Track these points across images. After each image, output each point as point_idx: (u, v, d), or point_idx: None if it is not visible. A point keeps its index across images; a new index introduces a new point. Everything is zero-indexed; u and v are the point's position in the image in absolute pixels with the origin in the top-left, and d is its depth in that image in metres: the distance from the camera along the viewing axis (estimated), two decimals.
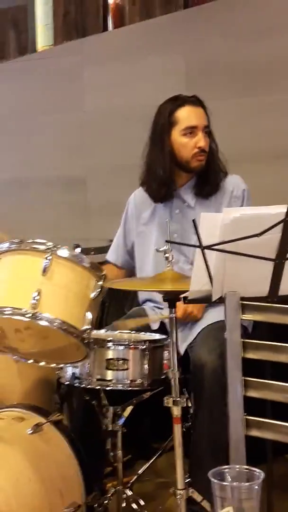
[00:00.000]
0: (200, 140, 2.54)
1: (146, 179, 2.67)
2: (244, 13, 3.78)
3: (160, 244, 2.16)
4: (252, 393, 1.73)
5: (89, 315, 1.97)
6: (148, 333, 2.40)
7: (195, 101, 2.59)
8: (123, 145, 4.02)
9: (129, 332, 2.39)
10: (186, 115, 2.56)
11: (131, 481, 2.31)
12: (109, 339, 2.15)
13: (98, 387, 2.13)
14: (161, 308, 2.61)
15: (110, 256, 2.85)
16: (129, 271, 2.80)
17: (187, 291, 1.77)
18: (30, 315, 1.88)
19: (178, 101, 2.59)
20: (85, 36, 4.52)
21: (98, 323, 2.78)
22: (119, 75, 4.16)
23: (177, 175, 2.62)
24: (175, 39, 3.98)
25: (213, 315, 2.45)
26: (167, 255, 2.05)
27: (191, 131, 2.55)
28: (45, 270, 1.93)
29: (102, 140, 4.28)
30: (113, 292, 2.60)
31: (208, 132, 2.59)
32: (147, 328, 2.51)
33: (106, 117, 4.23)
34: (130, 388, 2.12)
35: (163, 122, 2.58)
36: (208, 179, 2.60)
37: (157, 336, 2.30)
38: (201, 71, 3.86)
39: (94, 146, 4.33)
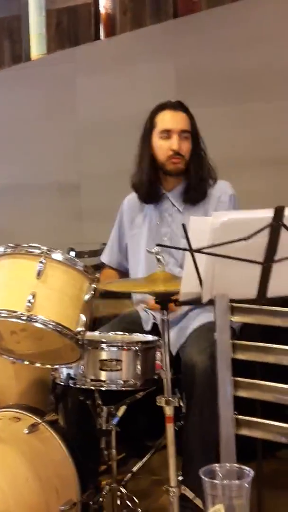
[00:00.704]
0: (174, 143, 2.57)
1: (135, 181, 2.72)
2: (232, 22, 3.82)
3: (151, 246, 2.19)
4: (242, 393, 1.77)
5: (83, 317, 2.00)
6: (140, 335, 2.42)
7: (176, 105, 2.63)
8: (116, 151, 4.05)
9: (122, 334, 2.42)
10: (163, 119, 2.61)
11: (125, 479, 2.32)
12: (102, 340, 2.17)
13: (92, 387, 2.15)
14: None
15: (104, 258, 2.89)
16: (123, 272, 2.84)
17: (178, 291, 1.81)
18: (25, 317, 1.91)
19: (160, 106, 2.64)
20: (78, 45, 4.55)
21: (92, 325, 2.83)
22: (111, 83, 4.20)
23: (163, 178, 2.66)
24: (165, 47, 4.02)
25: (204, 317, 2.48)
26: (158, 256, 2.07)
27: (167, 134, 2.59)
28: (39, 274, 1.96)
29: (95, 146, 4.31)
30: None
31: (188, 137, 2.61)
32: (140, 330, 2.55)
33: (99, 123, 4.26)
34: (123, 388, 2.14)
35: (147, 126, 2.65)
36: (195, 186, 2.62)
37: (149, 337, 2.33)
38: (191, 79, 3.90)
39: (88, 153, 4.35)
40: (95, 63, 4.31)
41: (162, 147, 2.60)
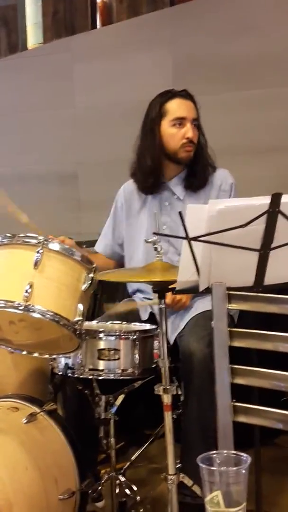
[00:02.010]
0: (189, 131, 2.58)
1: (135, 170, 2.71)
2: (229, 9, 3.81)
3: (150, 235, 2.19)
4: (239, 380, 1.77)
5: (80, 307, 2.00)
6: (138, 324, 2.44)
7: (185, 94, 2.64)
8: (114, 140, 4.04)
9: (120, 323, 2.43)
10: (175, 107, 2.60)
11: (124, 468, 2.33)
12: (100, 330, 2.17)
13: (91, 376, 2.15)
14: (151, 299, 2.64)
15: (98, 246, 2.89)
16: (118, 261, 2.84)
17: (175, 281, 1.81)
18: (23, 307, 1.91)
19: (168, 94, 2.64)
20: (74, 34, 4.53)
21: (90, 315, 2.83)
22: (108, 72, 4.19)
23: (166, 167, 2.66)
24: (161, 36, 4.01)
25: (201, 305, 2.49)
26: (156, 245, 2.07)
27: (180, 122, 2.59)
28: (36, 264, 1.95)
29: (92, 135, 4.30)
30: (104, 283, 2.64)
31: (197, 125, 2.63)
32: (137, 319, 2.56)
33: (96, 112, 4.26)
34: (121, 377, 2.14)
35: (154, 114, 2.63)
36: (197, 173, 2.63)
37: (147, 326, 2.33)
38: (187, 66, 3.90)
39: (85, 142, 4.35)
40: (92, 52, 4.30)
41: (176, 135, 2.60)
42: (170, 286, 1.96)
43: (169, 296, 2.39)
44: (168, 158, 2.64)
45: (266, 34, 3.69)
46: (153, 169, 2.63)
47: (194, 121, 2.62)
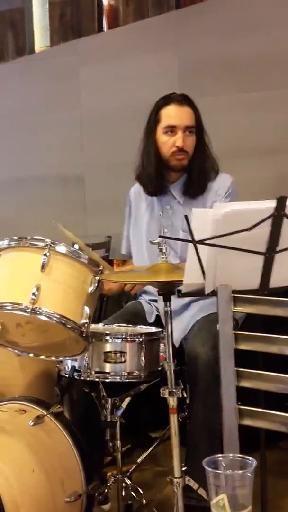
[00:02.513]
0: (179, 139, 2.55)
1: (139, 174, 2.71)
2: (234, 11, 3.81)
3: (151, 236, 2.19)
4: (245, 383, 1.76)
5: (87, 309, 2.01)
6: (144, 326, 2.44)
7: (182, 100, 2.60)
8: (119, 143, 4.06)
9: (126, 326, 2.44)
10: (168, 114, 2.58)
11: (130, 470, 2.33)
12: (106, 332, 2.19)
13: (97, 379, 2.16)
14: (155, 301, 2.66)
15: (122, 249, 2.89)
16: None
17: (181, 281, 1.81)
18: (30, 310, 1.91)
19: (166, 100, 2.61)
20: (81, 37, 4.54)
21: (97, 317, 2.85)
22: (114, 74, 4.19)
23: (166, 172, 2.65)
24: (167, 38, 4.01)
25: (207, 308, 2.50)
26: (161, 247, 2.07)
27: (171, 129, 2.57)
28: (43, 266, 1.96)
29: (98, 138, 4.31)
30: None
31: (193, 132, 2.60)
32: (143, 322, 2.57)
33: (102, 115, 4.26)
34: (127, 380, 2.16)
35: (151, 119, 2.63)
36: (196, 180, 2.62)
37: (153, 329, 2.34)
38: (193, 69, 3.89)
39: (91, 144, 4.36)
40: (98, 55, 4.30)
41: (167, 143, 2.58)
42: (176, 289, 1.96)
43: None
44: (164, 164, 2.63)
45: (272, 36, 3.68)
46: (154, 173, 2.63)
47: (187, 128, 2.58)
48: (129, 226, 2.83)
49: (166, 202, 2.69)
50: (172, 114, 2.58)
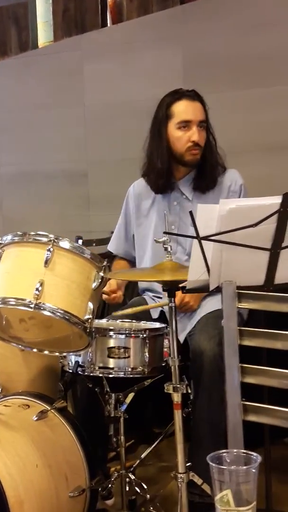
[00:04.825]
0: (194, 134, 2.56)
1: (146, 171, 2.71)
2: (239, 8, 3.79)
3: (159, 235, 2.19)
4: (249, 379, 1.77)
5: (90, 305, 2.00)
6: (148, 322, 2.44)
7: (193, 95, 2.60)
8: (123, 139, 4.05)
9: (130, 321, 2.43)
10: (181, 109, 2.58)
11: (133, 465, 2.33)
12: (110, 328, 2.18)
13: (101, 374, 2.16)
14: (160, 298, 2.65)
15: (110, 246, 2.89)
16: (131, 261, 2.84)
17: (185, 281, 1.81)
18: (34, 305, 1.91)
19: (176, 95, 2.61)
20: (84, 32, 4.52)
21: (100, 313, 2.84)
22: (118, 70, 4.19)
23: (175, 168, 2.65)
24: (172, 34, 4.00)
25: (212, 304, 2.49)
26: (166, 245, 2.07)
27: (185, 125, 2.57)
28: (47, 262, 1.96)
29: (103, 133, 4.30)
30: None
31: (205, 126, 2.61)
32: (147, 317, 2.56)
33: (106, 111, 4.25)
34: (131, 376, 2.15)
35: (161, 115, 2.61)
36: (206, 174, 2.62)
37: (157, 324, 2.34)
38: (197, 65, 3.88)
39: (95, 140, 4.35)
40: (102, 50, 4.29)
41: (182, 138, 2.58)
42: (180, 285, 1.96)
43: (178, 296, 2.39)
44: (175, 160, 2.63)
45: (277, 31, 3.67)
46: (163, 170, 2.62)
47: (200, 123, 2.59)
48: (126, 227, 2.83)
49: (173, 199, 2.68)
50: (185, 109, 2.58)
